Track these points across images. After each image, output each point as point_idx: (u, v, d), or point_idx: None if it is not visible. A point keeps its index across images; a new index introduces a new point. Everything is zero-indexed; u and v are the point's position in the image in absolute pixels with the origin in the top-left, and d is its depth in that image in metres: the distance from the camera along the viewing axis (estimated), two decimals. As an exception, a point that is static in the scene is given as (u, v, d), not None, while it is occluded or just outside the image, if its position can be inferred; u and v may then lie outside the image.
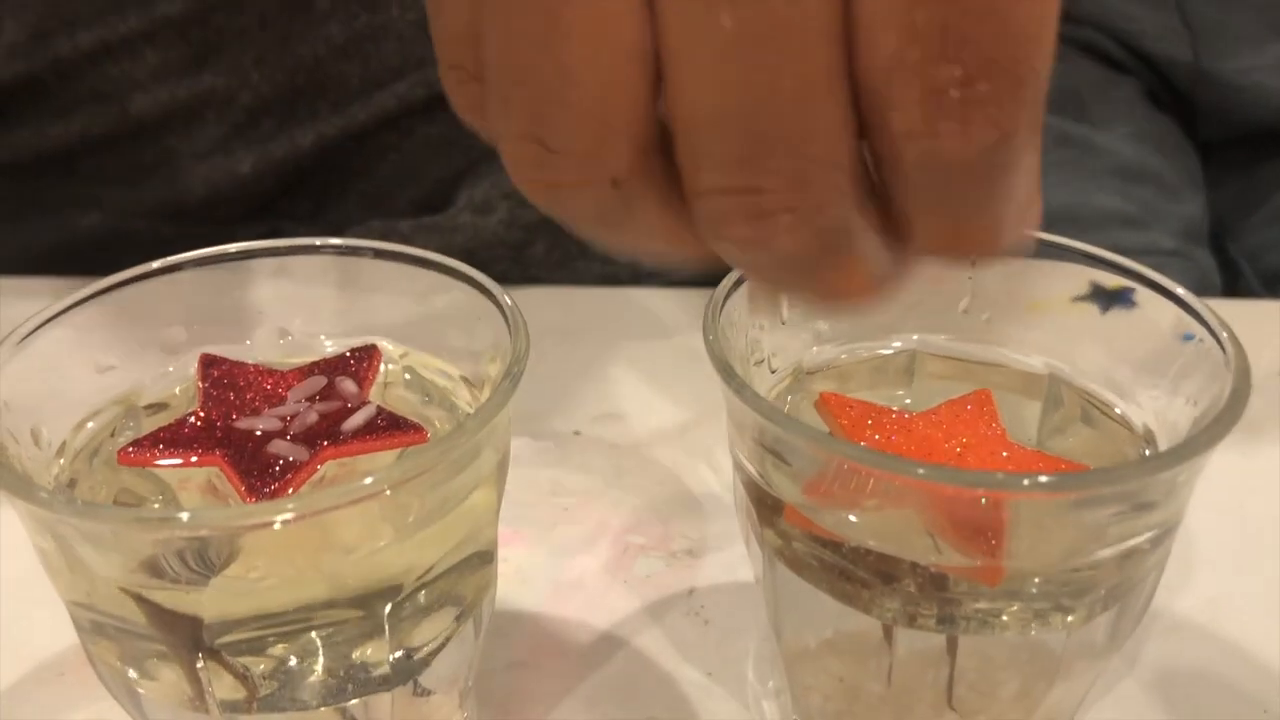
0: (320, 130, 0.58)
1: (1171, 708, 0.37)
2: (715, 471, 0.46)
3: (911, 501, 0.28)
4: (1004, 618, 0.29)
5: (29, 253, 0.60)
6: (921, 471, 0.27)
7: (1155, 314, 0.33)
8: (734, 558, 0.42)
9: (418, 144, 0.60)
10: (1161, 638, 0.39)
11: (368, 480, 0.25)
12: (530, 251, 0.61)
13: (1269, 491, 0.46)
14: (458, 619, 0.30)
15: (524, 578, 0.41)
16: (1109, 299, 0.36)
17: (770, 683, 0.37)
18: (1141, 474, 0.27)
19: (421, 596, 0.29)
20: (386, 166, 0.60)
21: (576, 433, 0.49)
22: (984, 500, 0.27)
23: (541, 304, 0.57)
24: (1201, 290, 0.33)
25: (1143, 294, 0.33)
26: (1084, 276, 0.36)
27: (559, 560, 0.42)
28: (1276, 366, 0.52)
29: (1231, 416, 0.27)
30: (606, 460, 0.47)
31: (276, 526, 0.26)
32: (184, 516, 0.25)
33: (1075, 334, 0.35)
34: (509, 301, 0.32)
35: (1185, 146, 0.80)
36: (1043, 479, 0.26)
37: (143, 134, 0.58)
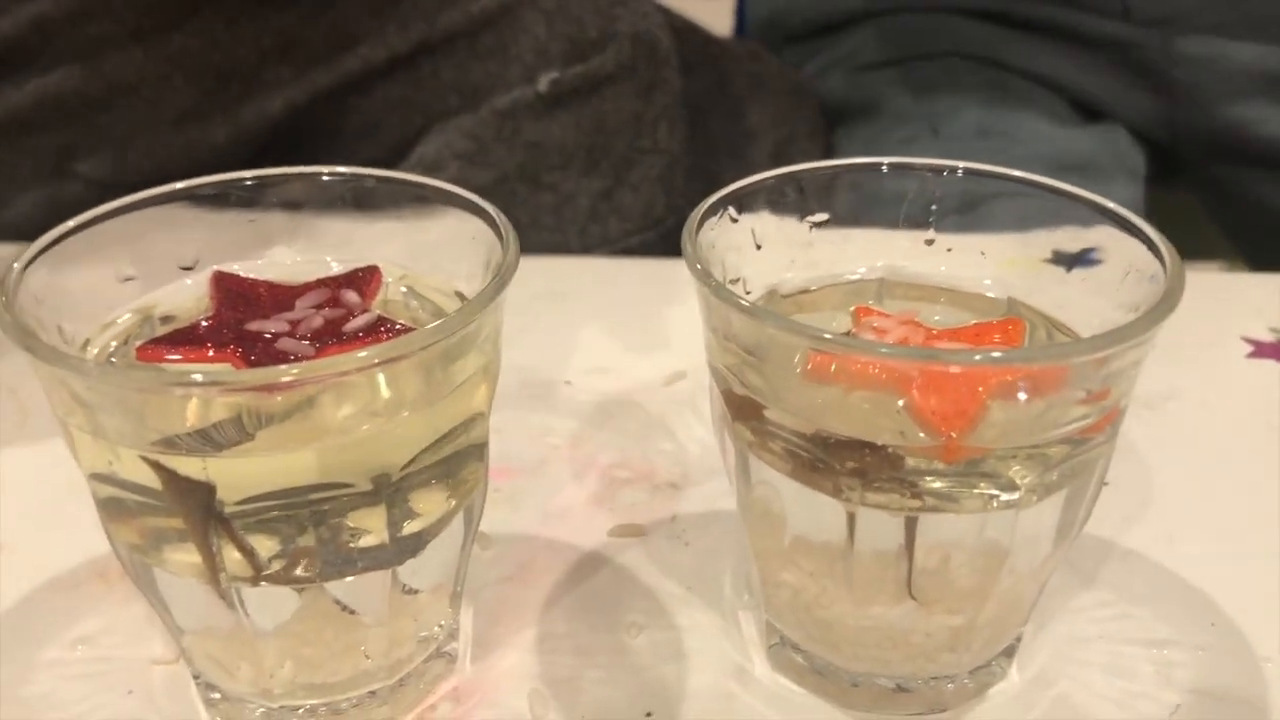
0: (288, 96, 0.60)
1: (1126, 621, 0.39)
2: (699, 417, 0.49)
3: (880, 384, 0.30)
4: (960, 496, 0.31)
5: (16, 224, 0.62)
6: (884, 350, 0.29)
7: (1110, 249, 0.36)
8: (716, 491, 0.45)
9: (378, 103, 0.62)
10: (1118, 562, 0.41)
11: (362, 353, 0.28)
12: None
13: (1223, 428, 0.48)
14: (451, 500, 0.33)
15: (515, 505, 0.44)
16: (1072, 260, 0.38)
17: (745, 596, 0.39)
18: (1084, 351, 0.29)
19: (418, 476, 0.31)
20: (348, 126, 0.62)
21: (567, 382, 0.51)
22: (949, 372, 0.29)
23: (533, 272, 0.60)
24: None
25: (1102, 236, 0.36)
26: (1046, 245, 0.38)
27: (548, 491, 0.45)
28: (1237, 328, 0.54)
29: (1166, 308, 0.30)
30: (595, 406, 0.49)
31: (282, 393, 0.28)
32: (198, 376, 0.27)
33: (1029, 264, 0.38)
34: (500, 218, 0.34)
35: (1125, 136, 0.80)
36: (996, 353, 0.29)
37: (114, 98, 0.59)
